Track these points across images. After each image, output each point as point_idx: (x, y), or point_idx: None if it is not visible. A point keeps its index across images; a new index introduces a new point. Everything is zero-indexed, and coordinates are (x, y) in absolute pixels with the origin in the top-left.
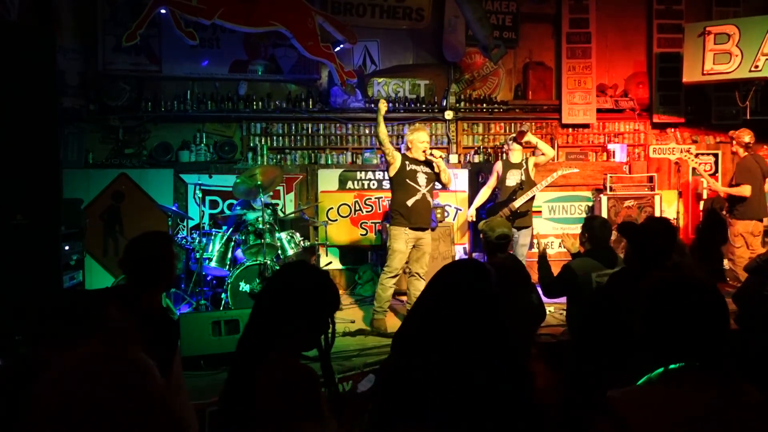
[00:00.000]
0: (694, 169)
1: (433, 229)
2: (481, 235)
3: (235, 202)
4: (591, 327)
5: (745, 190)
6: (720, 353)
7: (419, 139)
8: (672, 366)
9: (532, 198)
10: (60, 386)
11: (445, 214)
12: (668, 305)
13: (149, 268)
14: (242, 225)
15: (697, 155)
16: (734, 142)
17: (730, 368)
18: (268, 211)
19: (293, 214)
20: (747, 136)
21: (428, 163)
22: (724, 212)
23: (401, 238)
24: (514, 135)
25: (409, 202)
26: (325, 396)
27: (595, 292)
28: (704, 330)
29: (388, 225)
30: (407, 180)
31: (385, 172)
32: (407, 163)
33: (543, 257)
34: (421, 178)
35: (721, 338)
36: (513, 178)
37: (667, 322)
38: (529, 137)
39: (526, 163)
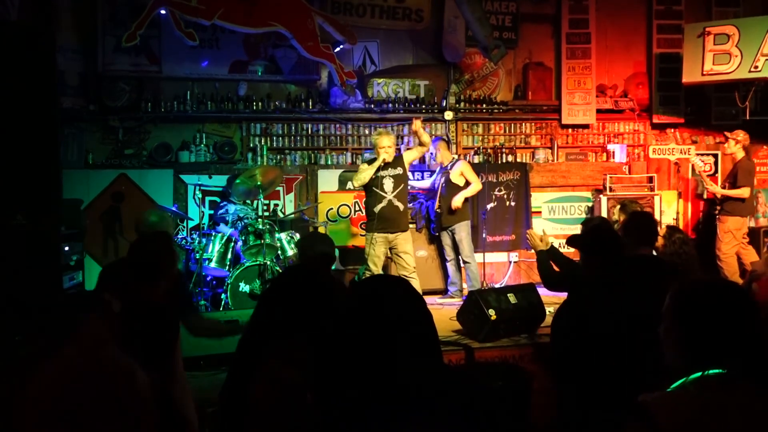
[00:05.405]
0: (693, 167)
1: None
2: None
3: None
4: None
5: (745, 192)
6: (758, 361)
7: (381, 144)
8: (707, 372)
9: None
10: (50, 390)
11: None
12: (702, 310)
13: (150, 262)
14: (237, 221)
15: (696, 155)
16: (733, 144)
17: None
18: (252, 205)
19: (293, 215)
20: (743, 135)
21: (395, 165)
22: (716, 211)
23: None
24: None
25: (376, 209)
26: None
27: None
28: (740, 336)
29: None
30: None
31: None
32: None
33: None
34: (388, 184)
35: (759, 345)
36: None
37: (702, 327)
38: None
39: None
